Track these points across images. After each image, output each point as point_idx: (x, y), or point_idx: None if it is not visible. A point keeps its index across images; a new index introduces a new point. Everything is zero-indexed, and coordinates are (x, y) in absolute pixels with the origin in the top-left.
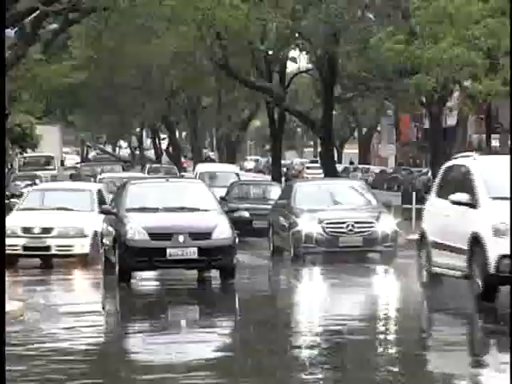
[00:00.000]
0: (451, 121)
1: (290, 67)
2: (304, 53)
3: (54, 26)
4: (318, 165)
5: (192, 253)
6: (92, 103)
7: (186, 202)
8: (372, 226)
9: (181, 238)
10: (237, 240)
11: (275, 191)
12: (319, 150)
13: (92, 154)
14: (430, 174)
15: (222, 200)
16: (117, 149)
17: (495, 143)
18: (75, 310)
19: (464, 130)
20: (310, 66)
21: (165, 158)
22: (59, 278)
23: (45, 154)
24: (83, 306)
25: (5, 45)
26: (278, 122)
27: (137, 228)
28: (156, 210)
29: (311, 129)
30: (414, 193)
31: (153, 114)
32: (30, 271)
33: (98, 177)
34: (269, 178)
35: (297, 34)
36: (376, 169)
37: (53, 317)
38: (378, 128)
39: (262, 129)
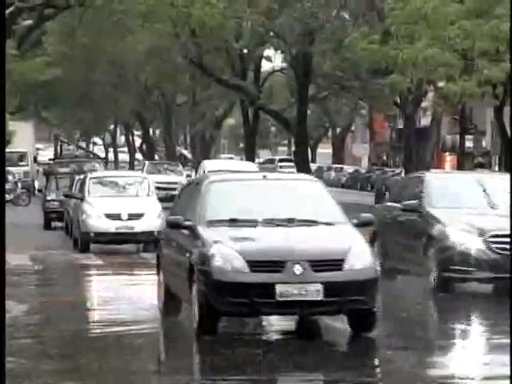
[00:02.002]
0: (425, 121)
1: (265, 66)
2: (279, 52)
3: (29, 21)
4: (291, 163)
5: (315, 292)
6: (66, 99)
7: (297, 210)
8: None
9: (297, 269)
10: (379, 270)
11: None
12: (293, 148)
13: (66, 152)
14: (403, 174)
15: None
16: (90, 145)
17: (469, 144)
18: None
19: (438, 131)
20: (284, 64)
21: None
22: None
23: (17, 150)
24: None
25: (5, 41)
26: (252, 120)
27: (228, 252)
28: (254, 223)
29: (285, 128)
30: (387, 193)
31: (127, 111)
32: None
33: (89, 176)
34: None
35: (272, 33)
36: (350, 168)
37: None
38: (352, 128)
39: (236, 127)
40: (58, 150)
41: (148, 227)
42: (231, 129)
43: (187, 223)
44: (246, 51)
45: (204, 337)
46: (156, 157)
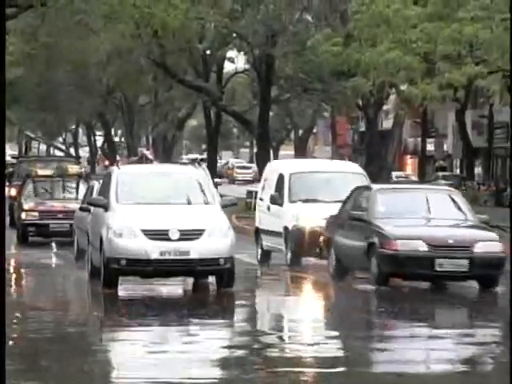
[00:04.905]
0: (387, 124)
1: (228, 67)
2: (242, 53)
3: None
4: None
5: None
6: (28, 99)
7: None
8: None
9: None
10: None
11: (439, 199)
12: (255, 150)
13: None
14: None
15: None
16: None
17: (430, 147)
18: None
19: (400, 134)
20: (247, 66)
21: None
22: None
23: None
24: None
25: (5, 38)
26: (215, 121)
27: None
28: None
29: (247, 129)
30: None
31: (89, 112)
32: None
33: (116, 171)
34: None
35: (235, 34)
36: None
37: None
38: (314, 130)
39: (199, 128)
40: (23, 148)
41: (211, 252)
42: (193, 130)
43: None
44: (208, 52)
45: None
46: (118, 157)
